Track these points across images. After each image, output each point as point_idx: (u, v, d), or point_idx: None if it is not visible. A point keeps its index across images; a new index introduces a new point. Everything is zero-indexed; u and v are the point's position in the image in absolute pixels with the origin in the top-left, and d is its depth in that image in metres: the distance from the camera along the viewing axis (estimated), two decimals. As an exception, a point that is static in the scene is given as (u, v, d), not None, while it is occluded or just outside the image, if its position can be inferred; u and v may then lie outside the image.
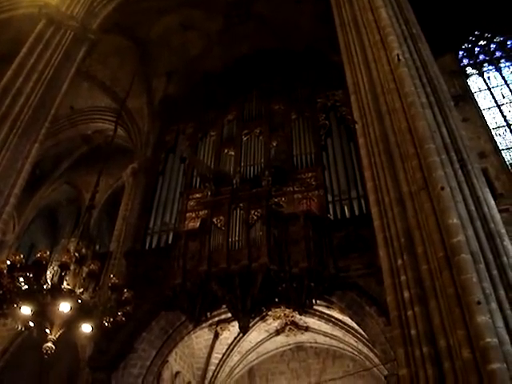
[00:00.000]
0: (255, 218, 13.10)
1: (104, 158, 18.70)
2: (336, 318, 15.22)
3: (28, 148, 11.57)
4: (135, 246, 14.62)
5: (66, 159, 20.32)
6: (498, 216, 7.35)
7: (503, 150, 13.65)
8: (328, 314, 15.15)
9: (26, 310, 6.69)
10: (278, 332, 16.81)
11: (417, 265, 7.07)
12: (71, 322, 6.84)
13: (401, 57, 8.82)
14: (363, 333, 14.28)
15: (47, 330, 6.77)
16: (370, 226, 12.72)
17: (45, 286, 6.73)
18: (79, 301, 6.79)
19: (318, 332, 16.64)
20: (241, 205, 13.37)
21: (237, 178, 14.08)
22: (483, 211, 7.18)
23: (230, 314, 13.87)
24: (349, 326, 15.23)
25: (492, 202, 7.55)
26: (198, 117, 17.08)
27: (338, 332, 15.98)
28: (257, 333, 16.45)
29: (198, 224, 14.09)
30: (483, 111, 14.63)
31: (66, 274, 6.86)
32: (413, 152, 7.84)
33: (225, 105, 17.01)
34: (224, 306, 13.15)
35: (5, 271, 6.70)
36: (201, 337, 15.85)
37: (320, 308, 14.29)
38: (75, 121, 18.82)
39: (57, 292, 6.65)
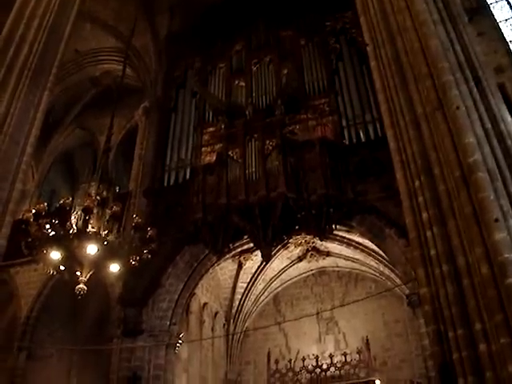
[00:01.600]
0: (270, 147, 13.10)
1: (115, 99, 18.76)
2: (356, 242, 15.47)
3: (38, 96, 11.52)
4: (154, 184, 14.73)
5: (76, 104, 20.22)
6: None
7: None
8: (348, 239, 15.40)
9: (55, 254, 6.88)
10: (300, 258, 17.16)
11: (434, 185, 7.10)
12: (99, 263, 7.04)
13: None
14: (384, 255, 14.56)
15: (77, 273, 6.99)
16: (385, 149, 12.66)
17: (71, 231, 6.89)
18: (105, 242, 6.96)
19: (339, 256, 16.97)
20: (255, 135, 13.36)
21: (249, 109, 14.00)
22: (500, 128, 7.11)
23: (252, 244, 14.19)
24: (369, 249, 15.50)
25: (509, 118, 7.47)
26: (206, 50, 16.72)
27: (359, 255, 16.28)
28: (279, 260, 16.81)
29: (214, 158, 14.15)
30: (500, 23, 14.15)
31: (89, 217, 7.00)
32: (426, 72, 7.70)
33: (231, 35, 16.59)
34: (246, 237, 13.43)
35: (31, 219, 6.85)
36: (225, 268, 16.24)
37: (340, 233, 14.49)
38: (82, 64, 18.62)
39: (83, 235, 6.82)
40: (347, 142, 13.42)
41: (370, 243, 14.36)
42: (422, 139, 7.48)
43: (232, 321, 17.34)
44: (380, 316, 16.57)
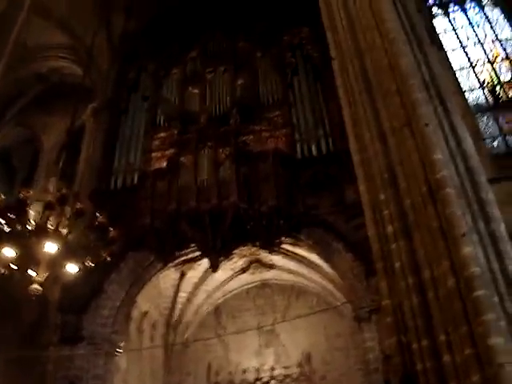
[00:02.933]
0: (224, 156, 13.05)
1: (61, 98, 18.20)
2: (301, 256, 15.50)
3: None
4: (100, 187, 14.31)
5: (18, 100, 19.41)
6: (475, 153, 7.50)
7: (466, 91, 13.80)
8: (293, 252, 15.40)
9: (8, 252, 6.48)
10: (243, 270, 17.04)
11: (400, 199, 7.19)
12: (56, 263, 6.69)
13: (382, -9, 8.68)
14: (328, 270, 14.69)
15: (31, 272, 6.61)
16: (337, 165, 13.16)
17: (29, 227, 6.51)
18: (64, 241, 6.62)
19: (282, 269, 16.96)
20: (209, 143, 13.27)
21: (203, 117, 13.89)
22: (462, 148, 7.28)
23: (196, 254, 14.00)
24: (314, 264, 15.57)
25: (469, 139, 7.67)
26: (160, 54, 16.53)
27: (302, 269, 16.35)
28: (222, 271, 16.54)
29: (165, 164, 13.93)
30: (447, 53, 14.67)
31: (49, 214, 6.66)
32: (394, 89, 7.82)
33: (187, 41, 16.49)
34: (192, 245, 13.23)
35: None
36: (167, 276, 15.88)
37: (286, 246, 14.48)
38: (28, 59, 17.83)
39: (42, 233, 6.45)
40: (299, 156, 13.52)
41: (315, 257, 14.48)
42: (389, 153, 7.57)
43: (172, 331, 16.97)
44: (321, 330, 16.64)
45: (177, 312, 16.95)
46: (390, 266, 7.16)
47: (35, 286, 6.56)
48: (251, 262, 16.74)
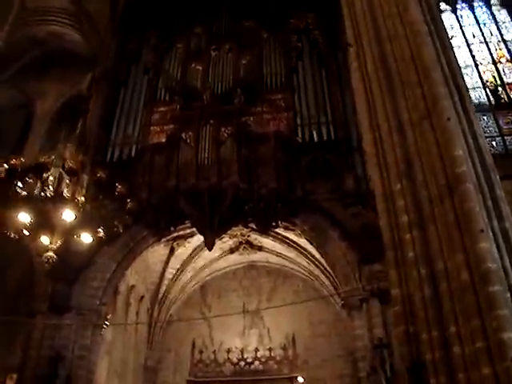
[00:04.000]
0: (226, 135, 12.96)
1: (59, 64, 17.83)
2: (291, 240, 15.57)
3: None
4: (95, 158, 14.10)
5: (13, 62, 18.93)
6: (489, 151, 7.60)
7: (469, 89, 13.91)
8: (283, 236, 15.45)
9: (24, 217, 6.35)
10: (232, 250, 17.06)
11: (415, 191, 7.25)
12: (71, 231, 6.59)
13: (407, -20, 8.65)
14: (317, 255, 14.81)
15: (43, 239, 6.49)
16: (337, 152, 13.21)
17: (47, 193, 6.38)
18: (81, 209, 6.52)
19: (271, 252, 17.03)
20: (211, 121, 13.15)
21: (207, 94, 13.74)
22: (478, 144, 7.37)
23: (190, 231, 14.00)
24: (302, 248, 15.68)
25: (484, 137, 7.78)
26: (164, 27, 16.26)
27: (291, 253, 16.43)
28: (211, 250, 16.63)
29: (165, 138, 13.82)
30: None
31: (70, 180, 6.55)
32: (416, 81, 7.84)
33: (192, 16, 16.26)
34: (187, 222, 13.18)
35: (2, 175, 6.29)
36: (156, 252, 15.79)
37: (277, 229, 14.52)
38: (27, 21, 17.41)
39: (59, 200, 6.34)
40: (300, 140, 13.52)
41: (304, 242, 14.56)
42: (406, 145, 7.61)
43: (157, 306, 16.94)
44: (305, 315, 16.76)
45: (163, 288, 16.93)
46: (401, 256, 7.26)
47: (50, 253, 6.48)
48: (241, 243, 16.77)
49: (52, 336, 12.25)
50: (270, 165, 12.66)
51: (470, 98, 8.07)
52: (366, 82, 8.94)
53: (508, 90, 14.15)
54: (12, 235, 6.58)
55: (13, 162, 6.43)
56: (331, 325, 16.43)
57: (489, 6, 16.14)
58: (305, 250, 15.63)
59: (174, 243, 15.78)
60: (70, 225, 6.45)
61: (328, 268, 14.53)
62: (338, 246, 12.44)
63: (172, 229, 13.28)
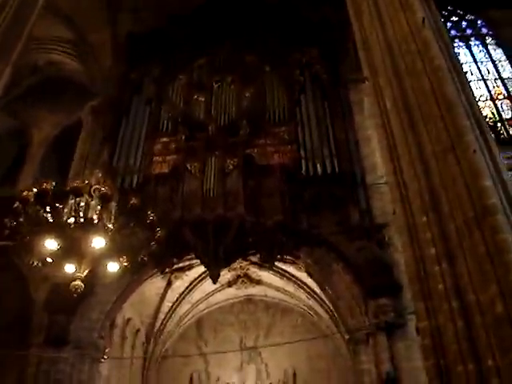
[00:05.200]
0: (231, 166, 12.94)
1: (56, 92, 17.76)
2: (290, 273, 15.40)
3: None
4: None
5: (11, 89, 18.75)
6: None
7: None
8: (283, 269, 15.29)
9: (51, 243, 6.14)
10: (230, 284, 16.79)
11: (442, 223, 7.21)
12: (99, 259, 6.38)
13: (426, 20, 8.80)
14: (317, 289, 14.65)
15: (69, 267, 6.26)
16: (342, 185, 13.23)
17: (77, 219, 6.17)
18: (109, 237, 6.31)
19: (269, 286, 16.82)
20: (216, 152, 13.15)
21: (212, 125, 13.74)
22: (501, 177, 7.39)
23: (187, 263, 13.84)
24: (302, 282, 15.50)
25: (506, 169, 7.82)
26: (166, 58, 16.35)
27: (289, 287, 16.24)
28: (209, 283, 16.30)
29: (167, 169, 13.78)
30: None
31: (102, 206, 6.36)
32: (438, 114, 7.88)
33: (195, 49, 16.41)
34: (191, 254, 12.99)
35: (32, 199, 6.10)
36: (153, 284, 15.47)
37: (276, 262, 14.39)
38: (27, 48, 17.35)
39: (90, 226, 6.14)
40: (304, 173, 13.51)
41: (303, 276, 14.41)
42: (430, 177, 7.61)
43: (152, 340, 16.53)
44: (304, 350, 16.49)
45: (159, 321, 16.55)
46: (427, 289, 7.18)
47: (77, 282, 6.26)
48: (239, 276, 16.53)
49: (47, 370, 11.86)
50: (276, 197, 12.67)
51: (490, 132, 8.13)
52: (383, 115, 8.99)
53: (507, 125, 14.46)
54: (35, 263, 6.37)
55: (44, 186, 6.24)
56: (331, 360, 16.17)
57: (485, 44, 16.61)
58: (304, 284, 15.45)
59: (172, 276, 15.48)
60: (99, 252, 6.25)
61: (328, 302, 14.38)
62: (343, 280, 12.39)
63: (175, 260, 13.09)
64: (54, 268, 6.45)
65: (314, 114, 14.53)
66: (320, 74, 15.39)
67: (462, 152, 7.31)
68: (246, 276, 16.54)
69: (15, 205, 6.28)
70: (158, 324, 16.55)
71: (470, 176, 7.04)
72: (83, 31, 16.82)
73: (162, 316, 16.51)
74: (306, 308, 16.87)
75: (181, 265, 14.12)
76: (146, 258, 7.17)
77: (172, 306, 16.54)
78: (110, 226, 6.39)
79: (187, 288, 16.31)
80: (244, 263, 15.31)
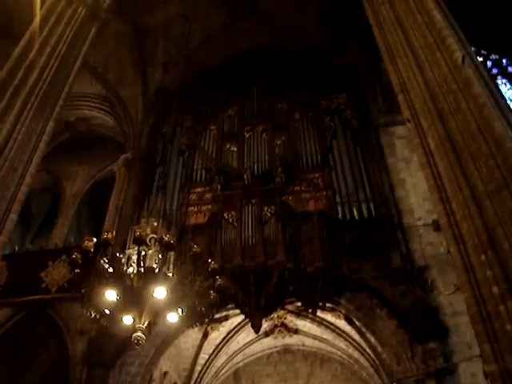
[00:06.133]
0: (268, 214, 12.92)
1: (87, 147, 18.06)
2: (328, 321, 15.08)
3: (42, 125, 10.81)
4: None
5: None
6: None
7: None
8: (320, 317, 15.01)
9: (110, 294, 6.08)
10: (266, 334, 16.46)
11: (502, 261, 7.05)
12: (159, 310, 6.28)
13: (466, 58, 8.85)
14: (356, 337, 14.32)
15: (126, 319, 6.17)
16: (380, 229, 13.09)
17: (135, 269, 6.12)
18: (170, 286, 6.23)
19: (307, 335, 16.46)
20: (253, 201, 13.16)
21: (248, 174, 13.81)
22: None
23: (224, 313, 13.68)
24: (340, 330, 15.17)
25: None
26: (197, 110, 16.68)
27: (327, 335, 15.88)
28: (245, 334, 16.07)
29: (202, 219, 13.81)
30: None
31: (164, 256, 6.32)
32: (487, 152, 7.83)
33: (224, 100, 16.72)
34: (230, 304, 12.82)
35: (91, 250, 6.08)
36: (188, 336, 15.28)
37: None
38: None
39: (150, 275, 6.08)
40: (341, 218, 13.43)
41: (342, 324, 14.12)
42: (485, 215, 7.49)
43: (190, 394, 16.18)
44: (346, 400, 16.07)
45: (195, 374, 16.18)
46: (491, 329, 6.96)
47: (139, 333, 6.15)
48: (276, 326, 16.23)
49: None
50: (315, 243, 12.53)
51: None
52: (428, 156, 8.95)
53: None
54: (93, 315, 6.29)
55: (105, 236, 6.23)
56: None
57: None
58: (343, 331, 15.10)
59: (208, 327, 15.27)
60: (162, 303, 6.17)
61: (368, 350, 14.04)
62: (387, 326, 12.10)
63: (214, 311, 12.88)
64: (111, 320, 6.33)
65: (347, 159, 14.54)
66: (350, 119, 15.50)
67: (516, 188, 7.23)
68: (283, 325, 16.23)
69: (74, 255, 6.25)
70: (194, 376, 16.18)
71: (528, 213, 6.94)
72: (114, 86, 17.19)
73: (198, 368, 16.15)
74: (345, 356, 16.41)
75: (217, 316, 13.93)
76: (203, 309, 7.04)
77: (208, 358, 16.20)
78: (170, 274, 6.32)
79: (224, 339, 16.01)
80: (281, 312, 15.10)
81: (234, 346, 16.50)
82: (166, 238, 6.49)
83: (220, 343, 16.09)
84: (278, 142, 15.24)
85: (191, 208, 14.36)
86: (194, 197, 14.59)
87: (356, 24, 15.89)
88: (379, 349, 12.82)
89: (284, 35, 17.11)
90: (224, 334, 15.85)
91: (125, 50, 16.75)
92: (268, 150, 15.04)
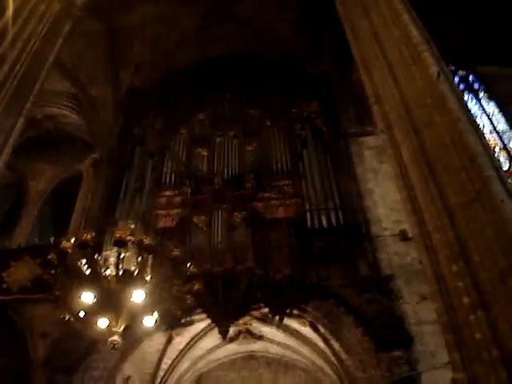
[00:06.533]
0: (238, 220, 12.92)
1: (54, 145, 17.72)
2: (293, 328, 15.09)
3: (12, 121, 10.58)
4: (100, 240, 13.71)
5: (7, 142, 18.65)
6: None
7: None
8: (285, 324, 15.05)
9: (87, 297, 5.94)
10: (231, 339, 16.31)
11: (473, 272, 7.21)
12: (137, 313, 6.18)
13: (441, 74, 9.04)
14: (321, 344, 14.40)
15: (101, 322, 6.06)
16: (348, 237, 13.22)
17: (113, 272, 6.01)
18: (148, 290, 6.14)
19: (271, 341, 16.42)
20: (223, 206, 13.12)
21: (218, 178, 13.77)
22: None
23: (188, 318, 13.53)
24: (305, 337, 15.20)
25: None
26: (168, 113, 16.55)
27: (292, 342, 15.88)
28: (209, 339, 15.95)
29: (171, 223, 13.70)
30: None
31: (142, 258, 6.22)
32: (460, 165, 8.01)
33: (196, 103, 16.68)
34: (198, 309, 12.74)
35: (70, 251, 5.94)
36: (153, 340, 15.10)
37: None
38: (28, 102, 17.43)
39: (128, 278, 5.98)
40: (310, 226, 13.52)
41: (307, 331, 14.18)
42: (457, 227, 7.65)
43: (152, 399, 15.95)
44: (308, 408, 16.09)
45: (158, 379, 15.96)
46: (461, 338, 7.10)
47: (115, 337, 6.04)
48: (240, 332, 16.14)
49: None
50: (283, 250, 12.60)
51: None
52: (402, 167, 9.10)
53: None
54: (67, 317, 6.15)
55: (84, 237, 6.10)
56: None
57: (478, 99, 17.09)
58: (308, 339, 15.17)
59: (173, 332, 15.11)
60: (139, 307, 6.07)
61: (332, 357, 14.14)
62: (353, 333, 12.22)
63: (180, 314, 12.78)
64: (86, 323, 6.21)
65: (317, 167, 14.65)
66: (320, 128, 15.65)
67: (488, 201, 7.40)
68: (248, 331, 16.16)
69: (50, 256, 6.11)
70: (157, 381, 15.95)
71: (499, 225, 7.11)
72: (84, 85, 16.93)
73: (161, 373, 15.91)
74: (309, 363, 16.48)
75: (182, 320, 13.82)
76: (179, 312, 6.98)
77: (172, 363, 16.00)
78: (148, 278, 6.25)
79: (187, 344, 15.86)
80: (247, 318, 15.04)
81: (197, 351, 16.35)
82: (147, 241, 6.41)
83: (184, 348, 15.93)
84: (249, 148, 15.29)
85: (160, 211, 14.22)
86: (163, 200, 14.46)
87: (330, 34, 16.08)
88: (344, 356, 12.94)
89: (259, 42, 17.17)
90: (188, 339, 15.69)
91: (97, 48, 16.51)
92: (238, 156, 15.07)
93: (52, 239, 16.42)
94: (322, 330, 13.30)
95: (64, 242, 6.14)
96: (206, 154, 15.32)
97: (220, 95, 16.67)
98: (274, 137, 15.62)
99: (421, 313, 11.83)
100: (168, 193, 14.58)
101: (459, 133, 8.31)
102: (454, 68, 17.67)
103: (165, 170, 15.17)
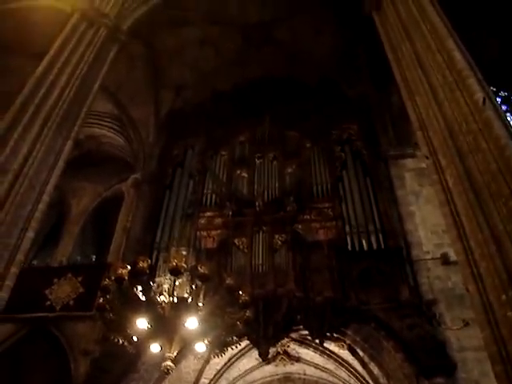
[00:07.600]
0: (279, 242, 12.98)
1: (95, 165, 18.10)
2: (331, 351, 15.02)
3: (61, 144, 10.86)
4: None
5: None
6: None
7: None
8: (323, 346, 14.97)
9: (142, 323, 6.07)
10: (268, 361, 16.36)
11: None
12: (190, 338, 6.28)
13: (487, 100, 9.00)
14: (359, 368, 14.28)
15: (154, 346, 6.16)
16: (389, 261, 13.14)
17: (163, 298, 6.13)
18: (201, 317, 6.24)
19: (308, 363, 16.35)
20: (264, 228, 13.20)
21: (259, 201, 13.87)
22: None
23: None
24: (343, 360, 15.11)
25: None
26: (208, 134, 16.77)
27: (330, 365, 15.79)
28: (247, 360, 15.97)
29: (211, 244, 13.80)
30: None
31: (196, 286, 6.34)
32: (507, 193, 7.94)
33: (236, 125, 16.88)
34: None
35: (126, 277, 6.08)
36: (190, 360, 15.17)
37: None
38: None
39: (182, 305, 6.08)
40: (350, 248, 13.49)
41: (345, 354, 14.08)
42: (504, 255, 7.58)
43: (189, 420, 15.97)
44: (347, 433, 15.86)
45: (196, 399, 16.04)
46: (510, 369, 7.01)
47: (168, 362, 6.14)
48: (278, 353, 16.12)
49: None
50: (325, 273, 12.59)
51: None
52: (447, 193, 9.05)
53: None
54: (120, 342, 6.27)
55: (140, 264, 6.23)
56: None
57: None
58: (346, 362, 15.06)
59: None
60: (192, 333, 6.17)
61: (371, 382, 14.00)
62: (393, 358, 12.07)
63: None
64: (139, 347, 6.33)
65: (357, 190, 14.65)
66: (360, 150, 15.65)
67: (540, 229, 7.33)
68: (286, 353, 16.13)
69: (106, 282, 6.26)
70: (194, 402, 16.02)
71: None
72: (126, 106, 17.30)
73: (198, 394, 16.02)
74: (346, 387, 16.36)
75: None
76: (230, 339, 7.06)
77: (209, 383, 16.07)
78: (201, 305, 6.35)
79: (225, 364, 15.89)
80: (285, 340, 15.02)
81: (234, 372, 16.37)
82: (202, 270, 6.51)
83: (221, 368, 15.97)
84: (289, 170, 15.37)
85: (200, 232, 14.36)
86: (203, 221, 14.60)
87: (369, 57, 16.17)
88: (383, 381, 12.81)
89: (297, 64, 17.35)
90: (226, 360, 15.72)
91: (138, 70, 16.88)
92: (278, 178, 15.14)
93: (93, 257, 16.92)
94: (361, 353, 13.23)
95: (120, 269, 6.27)
96: (246, 175, 15.46)
97: (260, 117, 16.79)
98: (313, 158, 15.69)
99: (463, 339, 11.63)
100: (209, 213, 14.72)
101: (507, 160, 8.24)
102: (495, 89, 17.52)
103: (205, 191, 15.32)
